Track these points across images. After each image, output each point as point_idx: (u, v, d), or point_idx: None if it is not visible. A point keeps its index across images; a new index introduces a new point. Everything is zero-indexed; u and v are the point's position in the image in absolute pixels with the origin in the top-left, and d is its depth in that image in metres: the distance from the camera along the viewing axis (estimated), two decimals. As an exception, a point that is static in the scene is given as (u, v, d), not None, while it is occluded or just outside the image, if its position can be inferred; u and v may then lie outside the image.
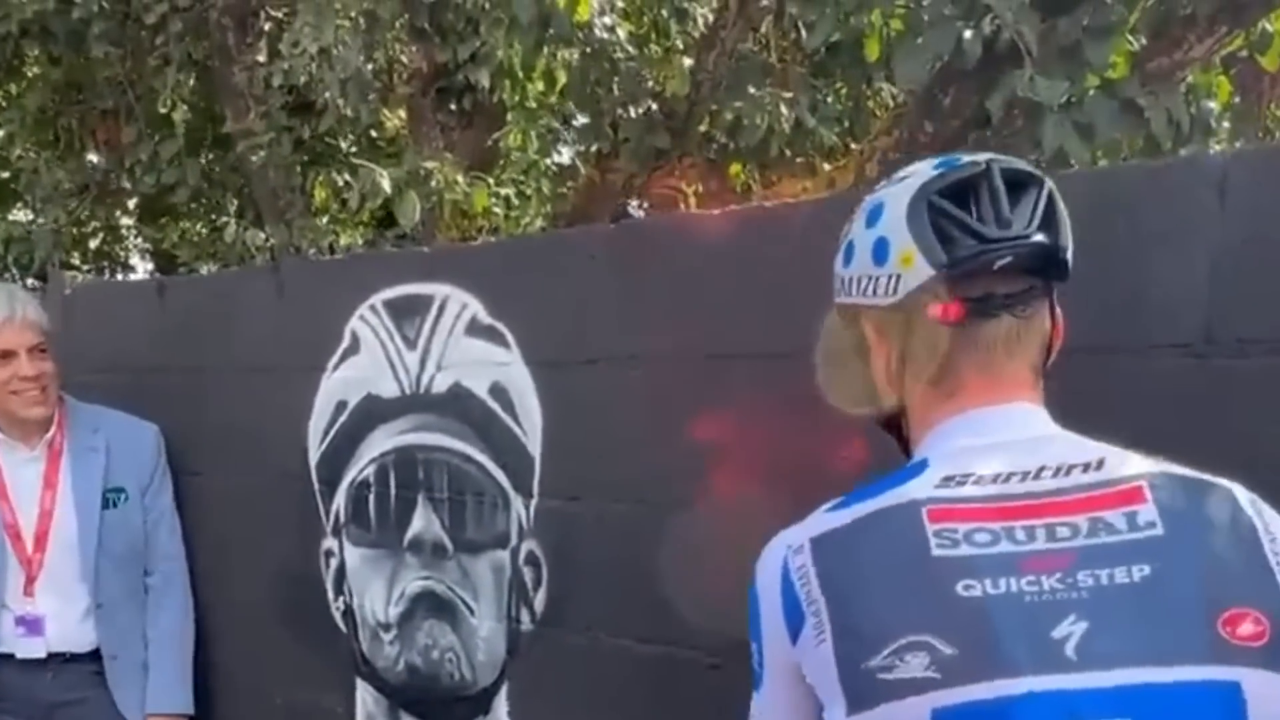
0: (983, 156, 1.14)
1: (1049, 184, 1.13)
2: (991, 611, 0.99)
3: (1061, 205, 1.13)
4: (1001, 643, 0.98)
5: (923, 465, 1.11)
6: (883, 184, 1.19)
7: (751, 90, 4.59)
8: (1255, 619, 0.97)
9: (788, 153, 5.01)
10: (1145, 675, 0.96)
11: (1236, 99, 4.04)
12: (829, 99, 6.00)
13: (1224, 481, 1.06)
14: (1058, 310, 1.16)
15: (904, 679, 0.98)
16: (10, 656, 2.50)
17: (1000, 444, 1.10)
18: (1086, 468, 1.07)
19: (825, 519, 1.11)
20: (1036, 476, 1.06)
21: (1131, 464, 1.07)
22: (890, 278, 1.13)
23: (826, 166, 5.33)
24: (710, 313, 1.85)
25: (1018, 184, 1.12)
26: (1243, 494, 1.05)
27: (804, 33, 4.51)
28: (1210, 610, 0.98)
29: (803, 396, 1.71)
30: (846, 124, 5.93)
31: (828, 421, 1.69)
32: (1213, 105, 3.78)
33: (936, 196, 1.11)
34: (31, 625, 2.50)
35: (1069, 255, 1.13)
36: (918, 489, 1.07)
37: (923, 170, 1.15)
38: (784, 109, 4.44)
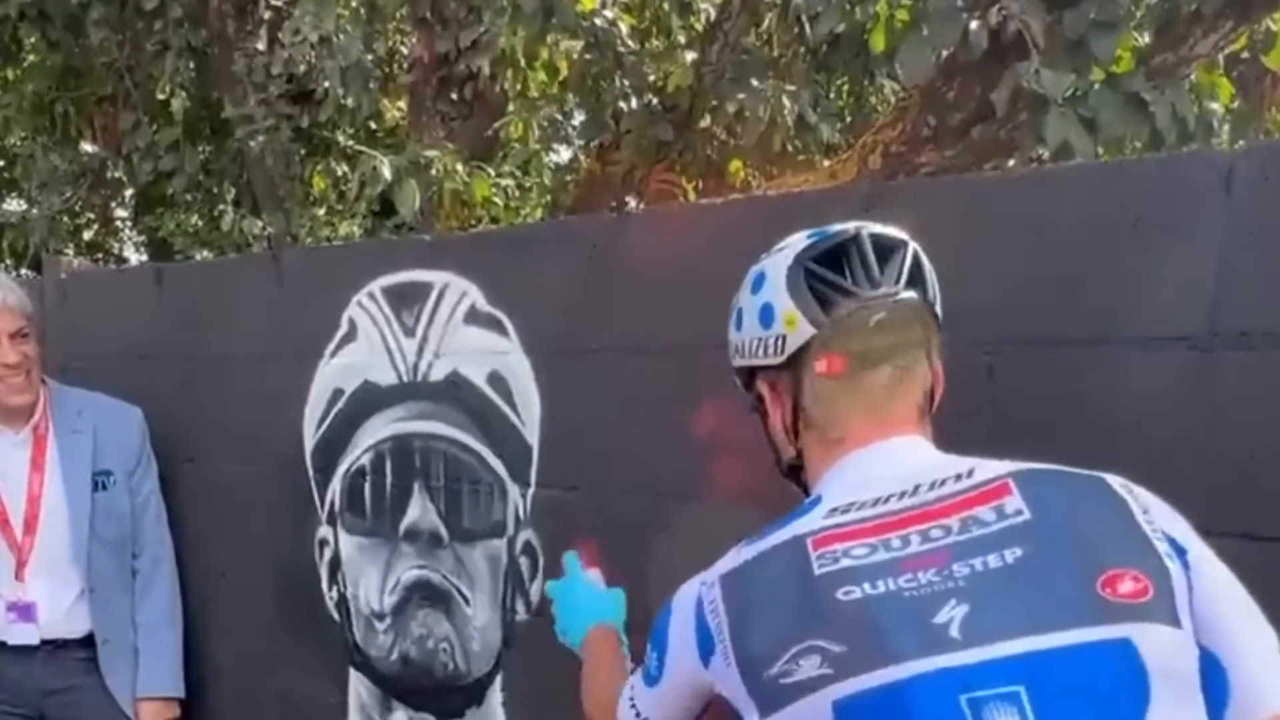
0: (851, 225, 1.26)
1: (914, 246, 1.25)
2: (872, 609, 1.07)
3: (928, 264, 1.25)
4: (886, 634, 1.05)
5: (815, 502, 1.21)
6: (764, 256, 1.31)
7: (754, 83, 4.57)
8: (1134, 577, 1.03)
9: (790, 147, 4.99)
10: (1032, 644, 1.01)
11: (1238, 101, 4.04)
12: (831, 95, 5.99)
13: (1092, 472, 1.13)
14: (936, 361, 1.27)
15: (801, 680, 1.06)
16: (1, 644, 2.49)
17: (882, 475, 1.20)
18: (959, 478, 1.16)
19: (734, 557, 1.22)
20: (913, 494, 1.16)
21: (999, 467, 1.15)
22: (777, 338, 1.25)
23: (826, 163, 5.32)
24: (712, 303, 1.83)
25: (885, 248, 1.24)
26: (1113, 479, 1.12)
27: (808, 26, 4.49)
28: (1087, 575, 1.03)
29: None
30: (848, 120, 5.92)
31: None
32: (1215, 106, 3.77)
33: (811, 262, 1.23)
34: (23, 611, 2.48)
35: (938, 309, 1.26)
36: (807, 524, 1.17)
37: (797, 240, 1.28)
38: (787, 101, 4.42)
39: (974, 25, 3.27)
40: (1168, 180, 1.47)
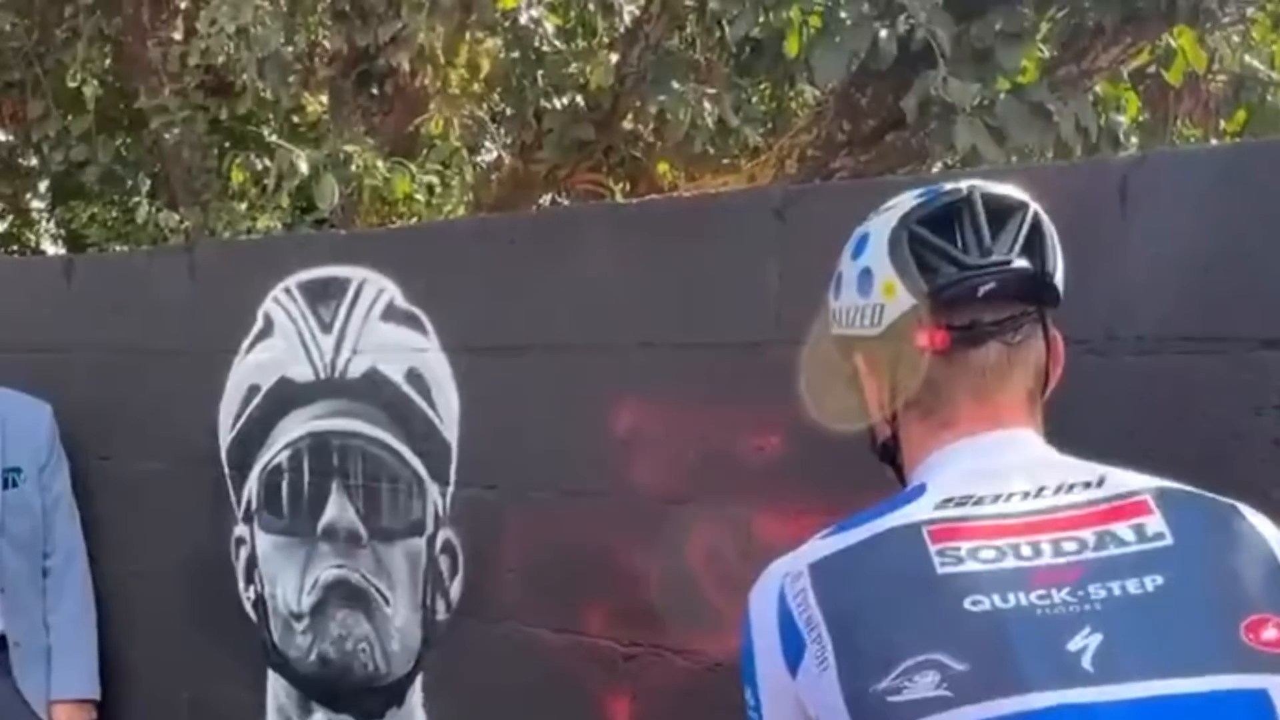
0: (964, 183, 1.14)
1: (1034, 209, 1.13)
2: (1004, 625, 0.96)
3: (1049, 230, 1.13)
4: (1016, 657, 0.94)
5: (920, 490, 1.09)
6: (871, 215, 1.18)
7: (675, 85, 4.62)
8: (1278, 624, 0.95)
9: (711, 150, 5.05)
10: (1168, 686, 0.93)
11: (1145, 115, 4.18)
12: (754, 99, 6.05)
13: (1226, 499, 1.05)
14: (1055, 336, 1.15)
15: (914, 700, 0.94)
16: None
17: (998, 468, 1.08)
18: (1088, 485, 1.05)
19: (822, 545, 1.07)
20: (1038, 495, 1.04)
21: (1133, 479, 1.06)
22: (875, 308, 1.12)
23: (748, 165, 5.38)
24: (630, 301, 1.86)
25: (1000, 211, 1.11)
26: (1247, 509, 1.04)
27: (727, 29, 4.55)
28: (1230, 617, 0.95)
29: (723, 386, 1.74)
30: (770, 124, 6.00)
31: (747, 412, 1.72)
32: (1121, 119, 3.90)
33: (916, 225, 1.11)
34: (-66, 614, 2.41)
35: (1059, 280, 1.13)
36: (917, 512, 1.05)
37: (905, 201, 1.15)
38: (707, 105, 4.48)
39: (884, 34, 3.34)
40: (1066, 187, 1.52)
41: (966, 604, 0.96)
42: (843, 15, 3.54)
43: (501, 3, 4.36)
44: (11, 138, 6.68)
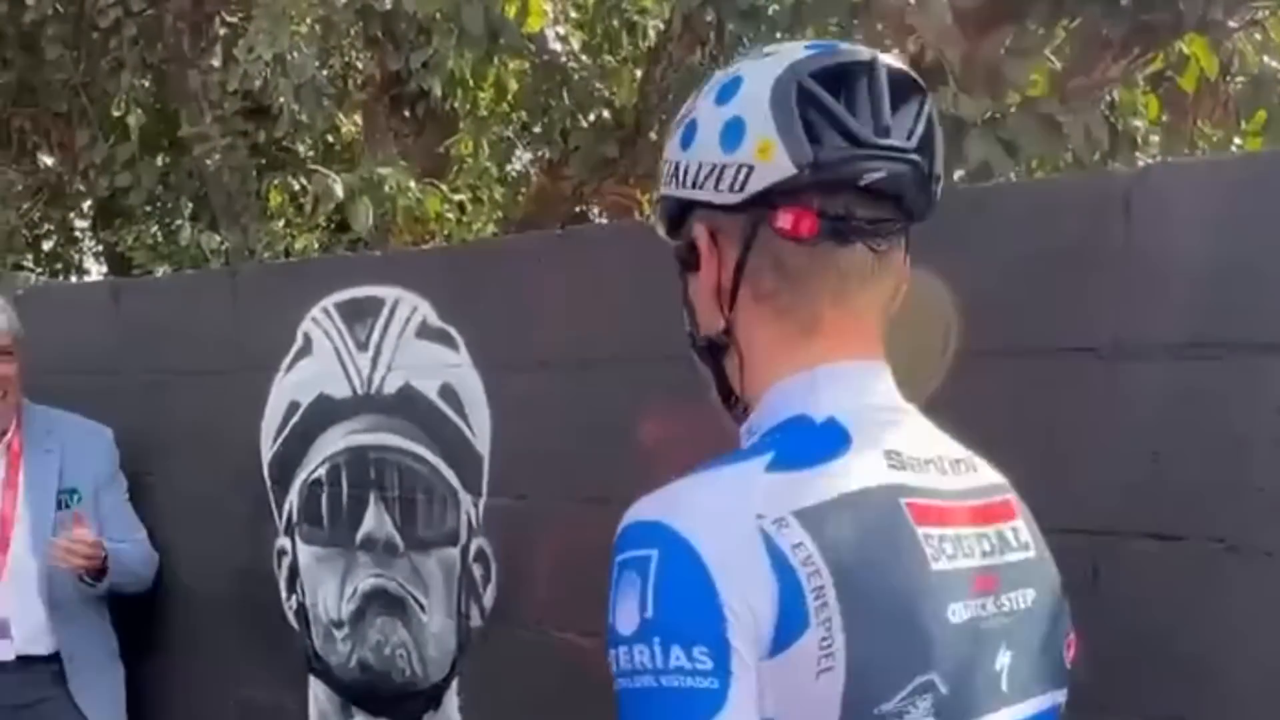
0: (864, 48, 0.95)
1: (930, 100, 0.96)
2: (966, 642, 0.87)
3: (939, 129, 0.96)
4: (972, 678, 0.87)
5: (840, 433, 0.90)
6: (740, 56, 1.02)
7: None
8: (1073, 642, 0.97)
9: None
10: (1040, 704, 0.93)
11: (1166, 116, 4.19)
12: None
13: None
14: (908, 260, 0.97)
15: None
16: None
17: (895, 418, 0.93)
18: (965, 467, 0.95)
19: (779, 484, 0.85)
20: (940, 468, 0.92)
21: (990, 470, 0.98)
22: (739, 169, 0.90)
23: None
24: (654, 316, 1.91)
25: (900, 88, 0.93)
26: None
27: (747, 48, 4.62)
28: (1062, 635, 0.96)
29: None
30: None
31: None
32: (1139, 123, 3.92)
33: (810, 80, 0.90)
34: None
35: (939, 190, 0.95)
36: (868, 466, 0.88)
37: (792, 49, 0.94)
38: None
39: (895, 52, 3.40)
40: (1072, 200, 1.57)
41: (948, 614, 0.86)
42: (856, 36, 3.59)
43: (527, 27, 4.45)
44: (57, 164, 6.85)
